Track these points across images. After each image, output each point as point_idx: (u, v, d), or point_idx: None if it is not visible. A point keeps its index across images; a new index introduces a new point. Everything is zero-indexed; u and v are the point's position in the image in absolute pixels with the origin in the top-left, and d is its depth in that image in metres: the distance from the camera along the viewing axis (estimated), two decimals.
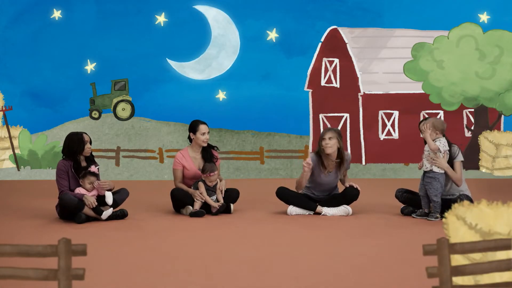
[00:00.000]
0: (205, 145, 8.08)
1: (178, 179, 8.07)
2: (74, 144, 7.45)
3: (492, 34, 11.84)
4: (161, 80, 12.39)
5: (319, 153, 7.69)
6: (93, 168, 7.41)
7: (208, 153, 8.10)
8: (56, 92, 12.35)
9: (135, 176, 12.21)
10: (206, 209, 7.76)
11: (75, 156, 7.47)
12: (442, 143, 7.29)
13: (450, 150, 7.41)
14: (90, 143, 7.60)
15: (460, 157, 7.44)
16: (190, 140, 8.14)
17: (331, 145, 7.60)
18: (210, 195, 7.78)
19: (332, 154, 7.65)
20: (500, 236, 3.74)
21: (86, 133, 7.62)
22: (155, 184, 11.36)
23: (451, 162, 7.40)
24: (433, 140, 7.29)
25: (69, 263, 3.31)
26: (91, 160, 7.60)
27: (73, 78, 12.34)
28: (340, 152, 7.68)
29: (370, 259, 5.42)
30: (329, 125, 12.39)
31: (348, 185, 7.75)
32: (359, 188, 7.70)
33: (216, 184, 7.88)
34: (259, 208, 8.18)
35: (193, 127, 8.06)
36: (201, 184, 7.79)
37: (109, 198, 7.39)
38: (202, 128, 8.02)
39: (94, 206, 7.24)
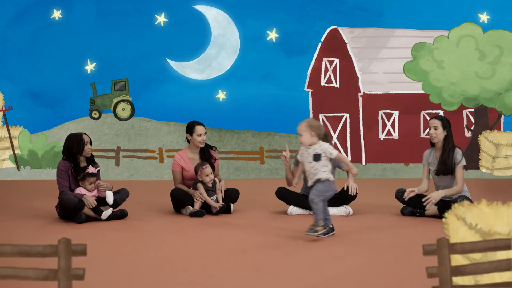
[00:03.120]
0: (202, 146, 8.08)
1: (177, 181, 8.07)
2: (74, 145, 7.44)
3: (492, 34, 11.83)
4: (161, 80, 12.39)
5: None
6: (90, 169, 7.40)
7: (206, 154, 8.10)
8: (56, 92, 12.35)
9: (135, 176, 12.21)
10: (206, 209, 7.76)
11: (75, 157, 7.47)
12: (327, 146, 6.23)
13: (453, 155, 7.33)
14: (91, 143, 7.59)
15: (463, 162, 7.36)
16: (188, 141, 8.15)
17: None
18: (210, 195, 7.78)
19: None
20: (500, 236, 3.74)
21: (86, 134, 7.61)
22: (155, 184, 11.36)
23: (453, 167, 7.34)
24: (310, 145, 6.23)
25: (69, 263, 3.31)
26: (91, 160, 7.59)
27: (73, 78, 12.33)
28: None
29: (370, 259, 5.41)
30: (329, 125, 12.39)
31: (345, 187, 7.71)
32: (353, 194, 7.66)
33: (216, 184, 7.88)
34: (259, 208, 8.18)
35: (190, 129, 8.06)
36: (200, 185, 7.79)
37: (109, 197, 7.39)
38: (199, 129, 8.02)
39: (94, 206, 7.24)
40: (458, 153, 7.34)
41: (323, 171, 6.17)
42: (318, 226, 6.02)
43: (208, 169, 7.81)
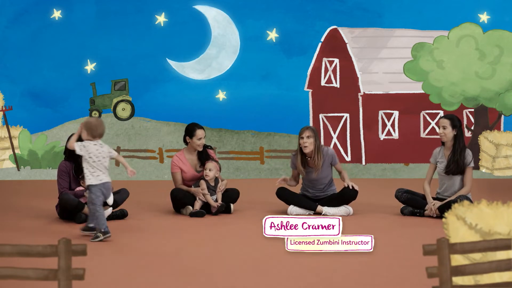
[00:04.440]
0: (201, 149, 8.09)
1: (178, 182, 8.06)
2: None
3: (492, 34, 11.83)
4: (161, 80, 12.38)
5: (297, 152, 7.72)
6: None
7: (204, 154, 8.10)
8: (56, 92, 12.34)
9: (135, 176, 12.19)
10: (206, 209, 7.76)
11: (76, 157, 7.46)
12: (105, 149, 6.43)
13: (465, 155, 7.36)
14: None
15: (472, 163, 7.43)
16: (186, 142, 8.14)
17: (308, 144, 7.61)
18: (211, 195, 7.79)
19: (309, 153, 7.66)
20: (500, 236, 3.74)
21: None
22: (155, 184, 11.36)
23: (464, 168, 7.39)
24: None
25: (69, 263, 3.31)
26: None
27: (73, 78, 12.33)
28: (315, 149, 7.63)
29: (370, 259, 5.41)
30: (329, 125, 12.39)
31: (346, 185, 7.72)
32: (356, 188, 7.66)
33: (217, 183, 7.88)
34: (259, 208, 8.18)
35: (190, 132, 8.05)
36: (202, 182, 7.80)
37: (109, 198, 7.38)
38: (199, 133, 8.02)
39: None
40: (469, 154, 7.42)
41: (87, 177, 6.35)
42: (98, 232, 6.19)
43: (210, 164, 7.82)
